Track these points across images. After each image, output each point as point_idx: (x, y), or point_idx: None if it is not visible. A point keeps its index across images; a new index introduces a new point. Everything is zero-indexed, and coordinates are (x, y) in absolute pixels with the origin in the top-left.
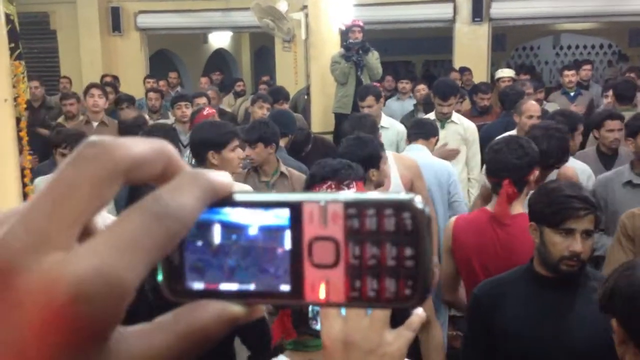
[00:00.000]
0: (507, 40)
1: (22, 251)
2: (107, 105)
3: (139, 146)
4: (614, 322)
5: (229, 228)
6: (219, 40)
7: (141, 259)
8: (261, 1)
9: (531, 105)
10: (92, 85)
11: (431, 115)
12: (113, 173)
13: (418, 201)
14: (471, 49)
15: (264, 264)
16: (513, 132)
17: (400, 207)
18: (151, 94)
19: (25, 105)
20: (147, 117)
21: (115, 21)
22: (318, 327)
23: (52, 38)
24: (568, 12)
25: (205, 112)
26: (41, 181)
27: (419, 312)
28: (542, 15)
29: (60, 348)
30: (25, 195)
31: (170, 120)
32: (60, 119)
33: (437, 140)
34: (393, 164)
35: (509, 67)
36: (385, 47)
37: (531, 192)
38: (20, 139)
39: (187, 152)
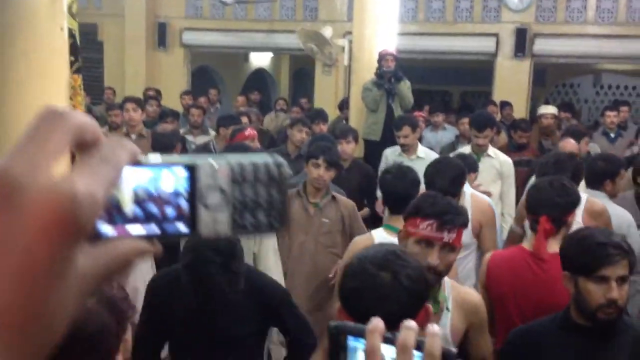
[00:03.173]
0: (547, 76)
1: (23, 175)
2: (143, 117)
3: (85, 117)
4: None
5: (140, 181)
6: (260, 60)
7: (105, 189)
8: (307, 26)
9: (567, 143)
10: (127, 100)
11: (467, 148)
12: (72, 129)
13: (277, 157)
14: (512, 83)
15: (165, 210)
16: None
17: (268, 163)
18: (194, 110)
19: None
20: (183, 131)
21: (161, 36)
22: None
23: (99, 49)
24: (610, 53)
25: (246, 133)
26: None
27: None
28: (585, 55)
29: (58, 243)
30: None
31: (211, 136)
32: (104, 129)
33: (476, 177)
34: (469, 205)
35: (547, 103)
36: (422, 76)
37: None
38: None
39: None
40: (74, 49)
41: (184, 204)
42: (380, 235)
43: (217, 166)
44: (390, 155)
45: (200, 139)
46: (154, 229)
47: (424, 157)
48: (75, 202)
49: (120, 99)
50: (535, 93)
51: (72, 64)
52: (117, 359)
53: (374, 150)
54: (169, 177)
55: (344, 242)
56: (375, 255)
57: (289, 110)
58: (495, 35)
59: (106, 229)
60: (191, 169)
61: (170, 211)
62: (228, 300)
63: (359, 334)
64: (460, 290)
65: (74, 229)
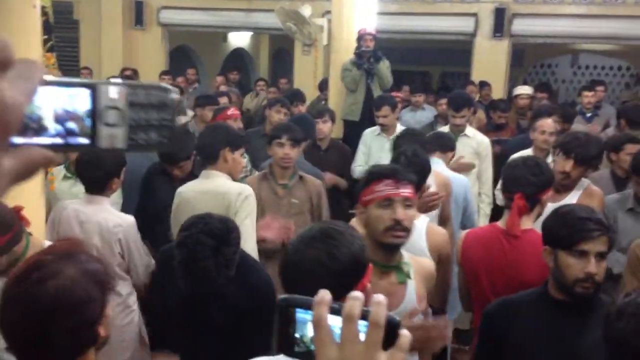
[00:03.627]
0: (525, 57)
1: None
2: None
3: None
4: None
5: (48, 98)
6: (238, 39)
7: (25, 100)
8: (286, 5)
9: (544, 122)
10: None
11: (445, 128)
12: None
13: (168, 85)
14: (490, 63)
15: (70, 125)
16: (529, 151)
17: (160, 87)
18: None
19: None
20: None
21: (138, 15)
22: (303, 350)
23: (74, 28)
24: (587, 33)
25: (229, 112)
26: (59, 171)
27: (406, 333)
28: (562, 35)
29: None
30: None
31: (188, 116)
32: None
33: (454, 155)
34: (432, 180)
35: (525, 83)
36: (402, 56)
37: (544, 214)
38: None
39: None
40: (46, 27)
41: (86, 121)
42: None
43: (115, 88)
44: (370, 136)
45: (178, 119)
46: (58, 140)
47: None
48: (5, 107)
49: (97, 79)
50: (513, 73)
51: (45, 42)
52: (100, 331)
53: (353, 131)
54: (72, 96)
55: (314, 222)
56: (307, 234)
57: (268, 91)
58: (474, 15)
59: (17, 139)
60: (93, 90)
61: (73, 126)
62: (218, 285)
63: (307, 307)
64: (417, 259)
65: (2, 132)
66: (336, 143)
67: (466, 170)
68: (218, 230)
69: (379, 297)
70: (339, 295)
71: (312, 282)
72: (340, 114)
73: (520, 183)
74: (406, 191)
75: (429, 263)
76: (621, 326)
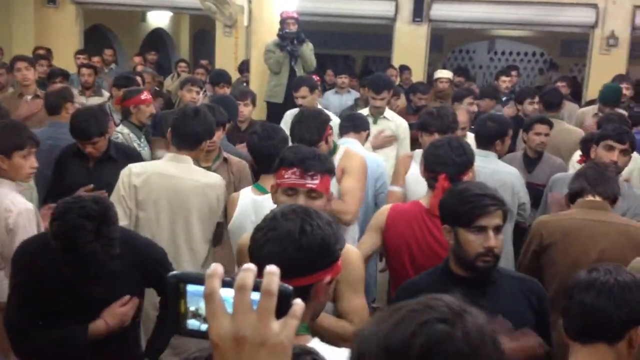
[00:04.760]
0: (444, 42)
1: None
2: (36, 77)
3: None
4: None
5: None
6: (158, 19)
7: None
8: None
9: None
10: (18, 59)
11: (365, 111)
12: None
13: None
14: (410, 48)
15: None
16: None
17: None
18: (84, 70)
19: None
20: (76, 92)
21: None
22: (196, 327)
23: None
24: (504, 19)
25: (142, 97)
26: None
27: (299, 301)
28: (480, 20)
29: None
30: None
31: (104, 97)
32: None
33: (368, 135)
34: (339, 155)
35: (443, 68)
36: (325, 40)
37: None
38: None
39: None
40: None
41: None
42: (246, 194)
43: None
44: (290, 117)
45: (93, 100)
46: None
47: None
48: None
49: (8, 59)
50: (433, 59)
51: None
52: None
53: (277, 113)
54: None
55: None
56: (287, 207)
57: (192, 73)
58: None
59: None
60: None
61: None
62: (104, 267)
63: (199, 282)
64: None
65: None
66: (256, 123)
67: (387, 143)
68: (95, 212)
69: (271, 268)
70: (304, 273)
71: (279, 251)
72: (263, 96)
73: (445, 163)
74: (312, 183)
75: (349, 252)
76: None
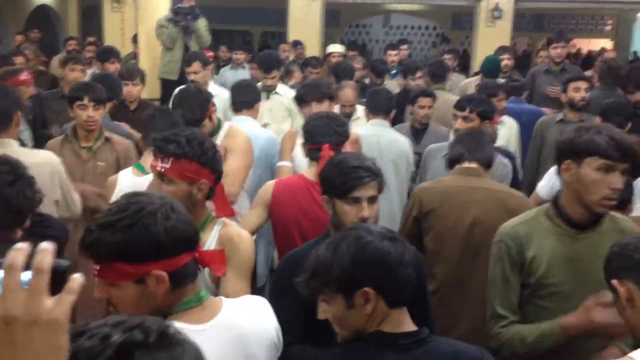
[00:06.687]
0: (341, 17)
1: None
2: None
3: None
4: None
5: None
6: None
7: None
8: None
9: (343, 95)
10: None
11: (259, 85)
12: None
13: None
14: (305, 23)
15: None
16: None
17: None
18: None
19: None
20: None
21: None
22: None
23: None
24: None
25: (22, 78)
26: None
27: (77, 276)
28: None
29: None
30: None
31: None
32: None
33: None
34: (223, 133)
35: (342, 43)
36: (222, 16)
37: None
38: None
39: None
40: None
41: None
42: (126, 175)
43: None
44: None
45: None
46: None
47: (216, 94)
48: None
49: None
50: (330, 33)
51: None
52: None
53: (171, 90)
54: None
55: None
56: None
57: (82, 51)
58: None
59: None
60: None
61: None
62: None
63: None
64: (230, 229)
65: None
66: (145, 103)
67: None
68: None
69: (44, 245)
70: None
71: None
72: (157, 73)
73: (327, 133)
74: (163, 166)
75: (240, 237)
76: None
